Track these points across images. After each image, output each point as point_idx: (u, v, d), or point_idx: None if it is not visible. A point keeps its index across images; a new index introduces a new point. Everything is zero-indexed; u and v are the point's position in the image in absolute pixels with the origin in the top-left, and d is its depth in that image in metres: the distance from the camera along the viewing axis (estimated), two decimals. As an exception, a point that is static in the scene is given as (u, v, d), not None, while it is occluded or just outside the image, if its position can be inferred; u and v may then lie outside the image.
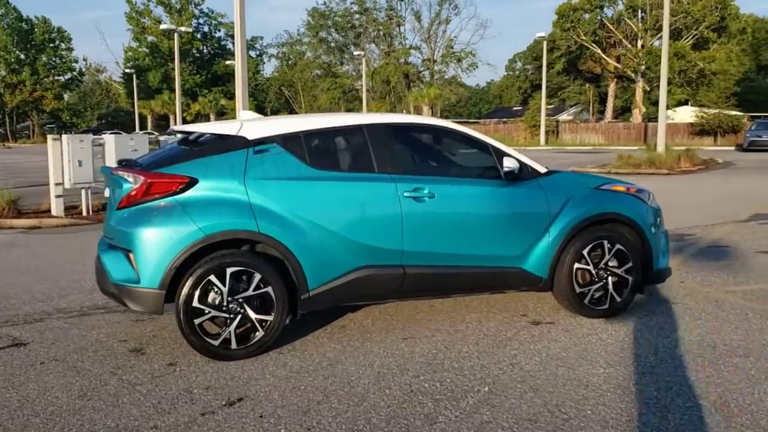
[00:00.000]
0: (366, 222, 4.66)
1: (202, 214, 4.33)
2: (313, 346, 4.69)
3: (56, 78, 67.12)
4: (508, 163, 4.97)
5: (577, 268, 5.15)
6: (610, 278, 5.24)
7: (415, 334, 4.91)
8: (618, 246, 5.21)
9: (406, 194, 4.74)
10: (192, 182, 4.39)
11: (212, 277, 4.32)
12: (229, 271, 4.35)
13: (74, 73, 69.31)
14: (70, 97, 74.39)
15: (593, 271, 5.20)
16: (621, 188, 5.49)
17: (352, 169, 4.89)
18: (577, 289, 5.15)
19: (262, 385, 4.00)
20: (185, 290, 4.27)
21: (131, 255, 4.33)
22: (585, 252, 5.15)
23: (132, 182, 4.43)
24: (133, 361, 4.41)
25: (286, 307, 4.51)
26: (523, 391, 3.88)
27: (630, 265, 5.26)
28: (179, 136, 5.22)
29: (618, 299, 5.26)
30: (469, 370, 4.21)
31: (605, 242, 5.20)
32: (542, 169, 5.20)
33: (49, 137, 11.91)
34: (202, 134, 4.87)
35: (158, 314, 4.36)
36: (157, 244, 4.25)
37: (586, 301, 5.20)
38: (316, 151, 4.79)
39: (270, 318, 4.47)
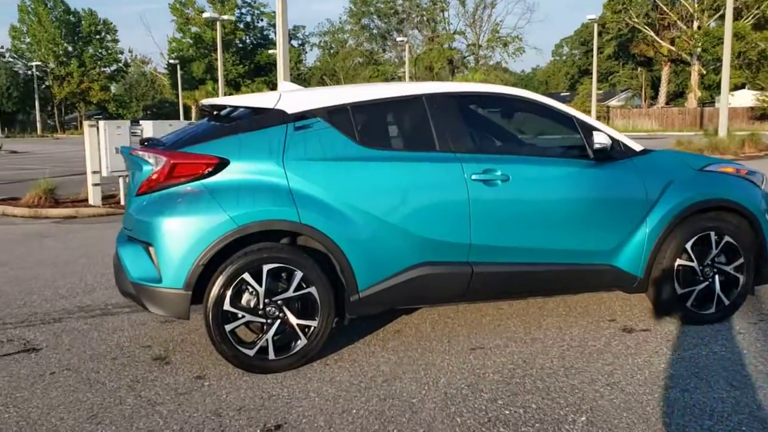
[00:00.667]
0: (426, 210, 3.90)
1: (234, 202, 3.63)
2: (364, 355, 3.97)
3: (102, 69, 67.94)
4: (599, 140, 4.15)
5: (679, 265, 4.30)
6: (717, 277, 4.38)
7: (485, 343, 4.14)
8: (727, 239, 4.34)
9: (474, 177, 3.96)
10: (222, 164, 3.70)
11: (246, 276, 3.63)
12: (265, 268, 3.66)
13: (120, 64, 70.08)
14: (117, 89, 75.31)
15: (698, 269, 4.34)
16: (730, 169, 4.60)
17: (409, 148, 4.14)
18: (679, 290, 4.31)
19: (305, 406, 3.30)
20: (215, 291, 3.60)
21: (151, 249, 3.67)
22: (688, 246, 4.29)
23: (153, 164, 3.76)
24: (156, 373, 3.76)
25: (333, 311, 3.80)
26: (631, 422, 3.08)
27: (741, 261, 4.38)
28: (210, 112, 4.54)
29: (726, 302, 4.40)
30: (558, 391, 3.43)
31: (712, 234, 4.33)
32: (637, 147, 4.35)
33: (86, 123, 11.45)
34: (235, 108, 4.18)
35: (183, 319, 3.71)
36: (181, 237, 3.58)
37: (688, 304, 4.35)
38: (367, 126, 4.04)
39: (314, 323, 3.76)
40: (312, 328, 3.77)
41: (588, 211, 4.16)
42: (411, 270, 3.88)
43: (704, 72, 49.96)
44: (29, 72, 65.11)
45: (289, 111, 3.89)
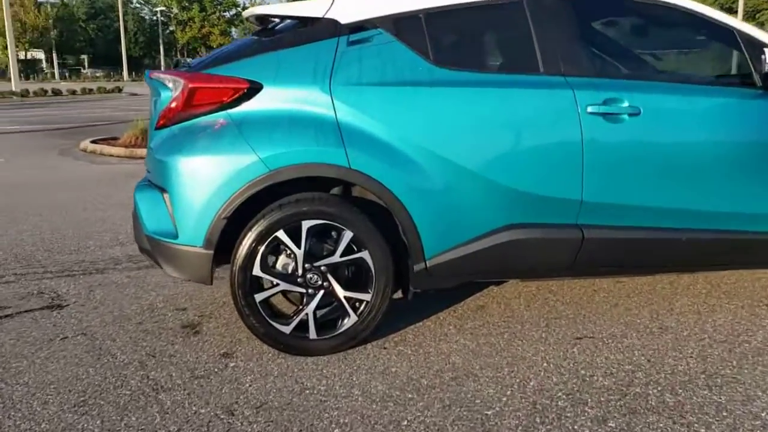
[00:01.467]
0: (522, 154, 2.91)
1: (266, 138, 2.81)
2: (433, 339, 3.11)
3: (222, 14, 69.39)
4: (774, 60, 2.95)
5: None
6: None
7: (595, 332, 3.15)
8: None
9: (590, 109, 2.91)
10: (253, 88, 2.87)
11: (281, 234, 2.84)
12: (305, 225, 2.84)
13: (239, 8, 71.27)
14: (237, 33, 76.92)
15: None
16: None
17: (502, 69, 3.13)
18: None
19: (341, 409, 2.50)
20: (242, 252, 2.83)
21: (166, 197, 2.95)
22: None
23: (171, 89, 3.00)
24: (178, 346, 3.09)
25: (391, 283, 2.94)
26: (817, 479, 2.04)
27: None
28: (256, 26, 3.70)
29: None
30: (696, 412, 2.41)
31: None
32: (828, 72, 3.10)
33: (187, 60, 11.09)
34: (282, 20, 3.31)
35: (204, 283, 2.98)
36: (199, 182, 2.82)
37: None
38: (446, 40, 3.07)
39: (366, 297, 2.93)
40: (364, 303, 2.94)
41: (752, 158, 3.00)
42: (498, 233, 2.93)
43: None
44: (154, 17, 67.65)
45: (343, 20, 2.97)
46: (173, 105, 2.94)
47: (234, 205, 2.79)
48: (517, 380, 2.70)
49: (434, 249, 2.93)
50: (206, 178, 2.81)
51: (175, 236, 2.89)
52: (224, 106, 2.88)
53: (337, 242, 2.89)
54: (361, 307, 2.95)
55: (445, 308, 3.48)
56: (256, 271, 2.86)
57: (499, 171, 2.89)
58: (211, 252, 2.85)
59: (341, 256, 2.89)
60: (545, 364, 2.83)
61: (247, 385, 2.71)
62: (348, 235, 2.86)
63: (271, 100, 2.86)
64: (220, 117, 2.88)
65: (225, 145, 2.82)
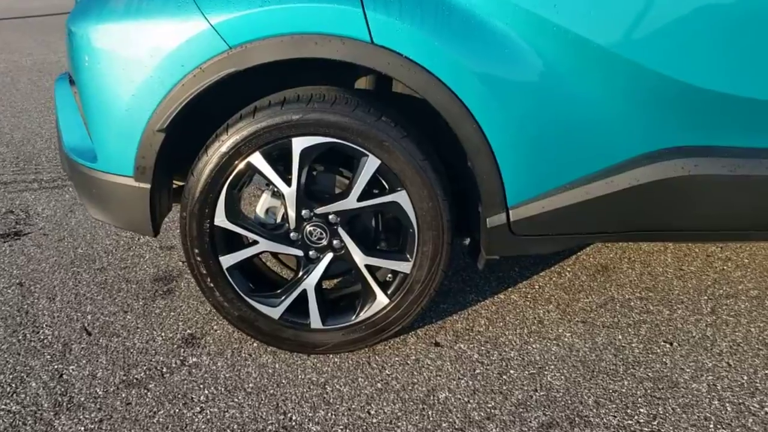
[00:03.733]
0: (688, 19, 1.51)
1: None
2: (507, 329, 1.91)
3: None
4: None
5: None
6: None
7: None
8: None
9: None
10: None
11: (256, 159, 1.66)
12: (297, 144, 1.64)
13: None
14: None
15: None
16: None
17: None
18: None
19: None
20: (196, 187, 1.69)
21: (74, 90, 1.82)
22: None
23: None
24: (131, 317, 2.08)
25: (447, 246, 1.72)
26: None
27: None
28: None
29: None
30: None
31: None
32: None
33: None
34: None
35: (145, 234, 1.89)
36: (116, 69, 1.65)
37: None
38: None
39: (403, 267, 1.74)
40: (399, 278, 1.76)
41: None
42: (648, 165, 1.60)
43: None
44: None
45: None
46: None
47: (173, 109, 1.62)
48: (629, 401, 1.47)
49: (524, 192, 1.65)
50: (128, 63, 1.63)
51: (93, 158, 1.78)
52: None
53: (353, 176, 1.69)
54: (395, 283, 1.77)
55: (543, 266, 2.24)
56: (220, 219, 1.73)
57: (648, 52, 1.52)
58: (148, 186, 1.73)
59: (360, 198, 1.68)
60: (723, 382, 1.57)
61: (202, 405, 1.66)
62: (373, 163, 1.64)
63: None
64: None
65: (154, 3, 1.61)
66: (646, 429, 1.54)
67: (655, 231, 1.73)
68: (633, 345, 1.84)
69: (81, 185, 1.86)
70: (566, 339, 1.87)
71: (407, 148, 1.63)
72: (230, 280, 1.78)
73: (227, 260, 1.77)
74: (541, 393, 1.66)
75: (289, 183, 1.68)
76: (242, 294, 1.80)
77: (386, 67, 1.55)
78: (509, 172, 1.62)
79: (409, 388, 1.70)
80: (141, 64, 1.61)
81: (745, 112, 1.56)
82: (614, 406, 1.61)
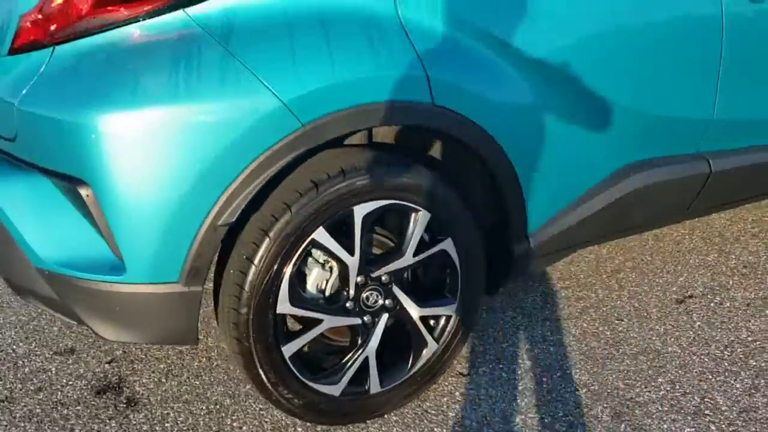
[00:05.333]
0: (651, 59, 1.94)
1: (287, 61, 1.47)
2: (548, 349, 2.14)
3: None
4: None
5: None
6: None
7: (695, 291, 2.43)
8: None
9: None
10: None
11: (320, 234, 1.58)
12: (360, 212, 1.61)
13: None
14: None
15: None
16: None
17: None
18: None
19: None
20: (254, 279, 1.53)
21: (87, 194, 1.47)
22: None
23: None
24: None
25: (484, 281, 1.88)
26: None
27: None
28: None
29: None
30: None
31: None
32: None
33: None
34: None
35: (184, 344, 1.62)
36: (160, 161, 1.41)
37: None
38: None
39: (449, 311, 1.83)
40: (443, 320, 1.84)
41: None
42: (620, 181, 1.98)
43: None
44: None
45: None
46: (65, 3, 1.44)
47: (242, 198, 1.46)
48: None
49: (539, 218, 1.90)
50: (178, 153, 1.42)
51: (117, 269, 1.47)
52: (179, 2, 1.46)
53: (402, 232, 1.73)
54: (440, 326, 1.85)
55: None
56: (284, 306, 1.60)
57: (620, 83, 1.89)
58: (199, 289, 1.51)
59: (416, 253, 1.73)
60: None
61: None
62: (425, 217, 1.70)
63: (281, -13, 1.50)
64: (171, 24, 1.45)
65: (206, 79, 1.43)
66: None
67: (627, 230, 2.16)
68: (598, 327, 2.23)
69: (89, 305, 1.51)
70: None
71: (453, 197, 1.74)
72: (293, 369, 1.65)
73: (290, 348, 1.64)
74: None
75: (351, 252, 1.64)
76: (306, 381, 1.68)
77: (444, 126, 1.64)
78: (531, 202, 1.85)
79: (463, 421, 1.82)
80: (196, 152, 1.42)
81: (672, 126, 2.05)
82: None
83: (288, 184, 1.56)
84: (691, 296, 2.38)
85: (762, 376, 1.96)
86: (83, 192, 1.46)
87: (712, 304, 2.32)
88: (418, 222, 1.70)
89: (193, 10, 1.45)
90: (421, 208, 1.69)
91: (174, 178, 1.41)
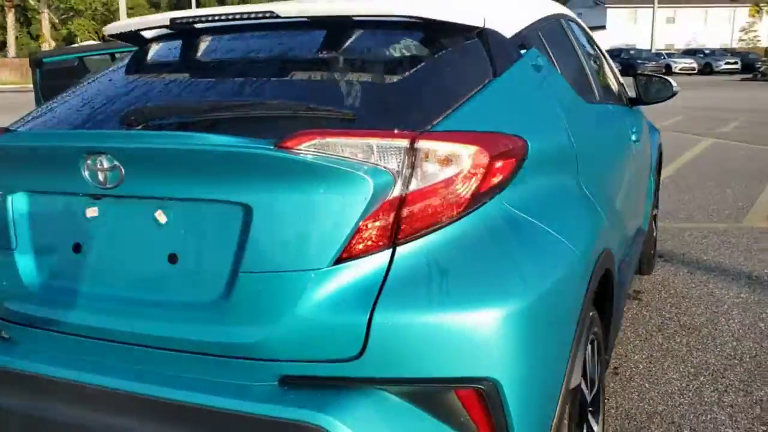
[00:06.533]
0: (618, 176, 2.68)
1: (565, 221, 1.76)
2: None
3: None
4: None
5: None
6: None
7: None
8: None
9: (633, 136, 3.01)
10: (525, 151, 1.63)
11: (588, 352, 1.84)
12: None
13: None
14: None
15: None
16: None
17: (599, 97, 2.69)
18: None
19: None
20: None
21: (498, 393, 1.39)
22: None
23: (435, 161, 1.43)
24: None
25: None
26: None
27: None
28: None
29: None
30: None
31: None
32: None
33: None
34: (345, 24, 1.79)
35: None
36: (550, 323, 1.54)
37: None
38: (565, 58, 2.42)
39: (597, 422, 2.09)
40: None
41: None
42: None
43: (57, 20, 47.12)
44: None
45: (507, 32, 1.94)
46: (463, 186, 1.44)
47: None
48: None
49: None
50: (557, 313, 1.56)
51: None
52: (509, 179, 1.55)
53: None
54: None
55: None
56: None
57: (620, 195, 2.62)
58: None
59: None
60: None
61: None
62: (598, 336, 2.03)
63: (536, 164, 1.68)
64: (494, 208, 1.52)
65: (539, 239, 1.60)
66: None
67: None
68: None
69: None
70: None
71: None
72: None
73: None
74: None
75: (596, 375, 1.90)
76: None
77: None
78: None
79: None
80: (562, 312, 1.59)
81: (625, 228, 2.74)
82: None
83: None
84: None
85: None
86: (495, 392, 1.37)
87: None
88: (596, 340, 2.01)
89: (498, 196, 1.54)
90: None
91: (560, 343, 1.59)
